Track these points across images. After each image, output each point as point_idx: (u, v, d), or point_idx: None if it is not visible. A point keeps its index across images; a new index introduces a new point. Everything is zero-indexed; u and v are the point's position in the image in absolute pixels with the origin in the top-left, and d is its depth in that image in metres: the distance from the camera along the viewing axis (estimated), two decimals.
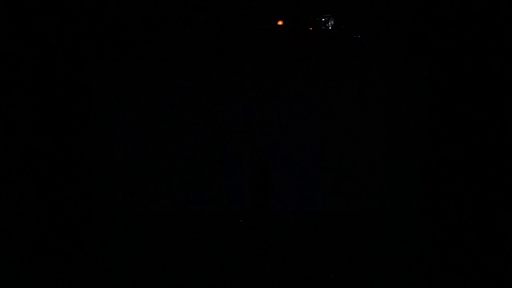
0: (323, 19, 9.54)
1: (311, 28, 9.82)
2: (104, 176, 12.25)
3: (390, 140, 12.67)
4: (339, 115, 12.64)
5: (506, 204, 10.23)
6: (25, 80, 9.99)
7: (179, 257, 8.01)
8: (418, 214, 12.12)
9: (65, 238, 9.55)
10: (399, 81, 12.57)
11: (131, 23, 10.01)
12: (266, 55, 12.23)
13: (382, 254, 8.14)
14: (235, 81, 12.51)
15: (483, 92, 10.94)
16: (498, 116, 10.49)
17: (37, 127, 10.48)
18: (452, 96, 11.89)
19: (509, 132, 10.20)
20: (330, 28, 9.56)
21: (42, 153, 10.70)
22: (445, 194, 12.02)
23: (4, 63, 9.18)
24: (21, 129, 9.90)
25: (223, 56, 11.52)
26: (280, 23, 9.96)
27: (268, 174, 10.84)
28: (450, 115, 11.94)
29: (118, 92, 12.32)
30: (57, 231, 10.06)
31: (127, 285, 6.93)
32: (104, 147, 12.31)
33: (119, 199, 12.15)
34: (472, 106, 11.24)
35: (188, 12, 9.65)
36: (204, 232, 10.01)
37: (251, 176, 10.92)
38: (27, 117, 10.08)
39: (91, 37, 10.72)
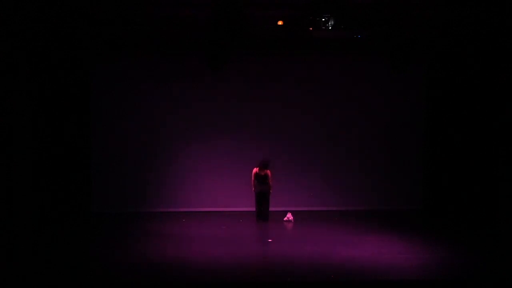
0: (323, 19, 9.52)
1: (311, 28, 9.81)
2: (104, 176, 12.31)
3: (390, 140, 12.72)
4: (339, 114, 12.72)
5: (505, 203, 10.26)
6: (26, 80, 10.03)
7: (179, 256, 8.05)
8: (418, 214, 12.19)
9: (64, 237, 9.61)
10: (399, 81, 12.60)
11: (132, 23, 10.05)
12: (266, 55, 12.28)
13: (381, 254, 8.17)
14: (235, 81, 12.54)
15: (483, 92, 10.96)
16: (498, 116, 10.52)
17: (38, 128, 10.52)
18: (452, 96, 11.92)
19: (509, 132, 10.22)
20: (330, 28, 9.54)
21: (43, 153, 10.75)
22: (445, 194, 12.08)
23: (5, 63, 9.21)
24: (21, 129, 9.93)
25: (224, 55, 11.52)
26: (280, 23, 9.97)
27: (268, 174, 10.89)
28: (450, 115, 11.98)
29: (119, 92, 12.37)
30: (56, 230, 10.12)
31: (127, 284, 6.98)
32: (104, 147, 12.34)
33: (119, 199, 12.21)
34: (473, 106, 11.27)
35: (189, 12, 9.68)
36: (204, 232, 10.06)
37: (254, 175, 10.99)
38: (27, 117, 10.11)
39: (92, 37, 10.76)
